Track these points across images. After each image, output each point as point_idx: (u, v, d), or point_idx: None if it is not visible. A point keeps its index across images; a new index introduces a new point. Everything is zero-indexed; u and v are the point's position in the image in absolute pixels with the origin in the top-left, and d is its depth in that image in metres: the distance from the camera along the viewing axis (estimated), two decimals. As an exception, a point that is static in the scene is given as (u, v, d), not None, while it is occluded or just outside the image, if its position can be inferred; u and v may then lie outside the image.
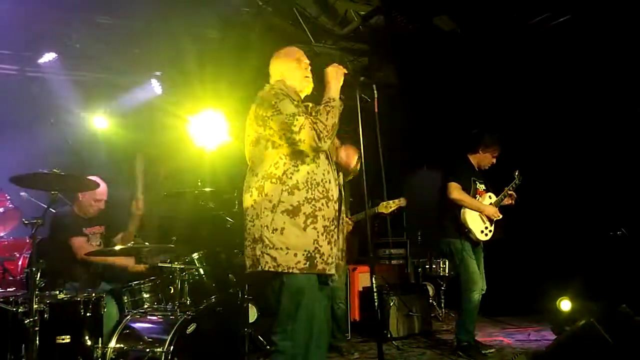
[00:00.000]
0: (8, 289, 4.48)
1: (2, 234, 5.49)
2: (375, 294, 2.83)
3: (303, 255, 2.73)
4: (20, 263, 5.10)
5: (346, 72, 2.93)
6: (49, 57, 5.79)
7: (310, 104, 3.02)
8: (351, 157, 3.50)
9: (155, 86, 6.53)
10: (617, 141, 5.79)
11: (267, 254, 2.72)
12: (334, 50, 5.81)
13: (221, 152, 5.78)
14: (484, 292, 4.86)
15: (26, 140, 5.78)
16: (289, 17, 5.46)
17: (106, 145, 6.25)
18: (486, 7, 5.13)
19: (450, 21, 5.42)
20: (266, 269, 2.73)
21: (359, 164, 3.66)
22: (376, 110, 2.98)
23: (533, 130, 6.55)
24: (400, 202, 5.23)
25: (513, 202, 5.02)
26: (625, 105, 5.56)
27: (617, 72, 5.46)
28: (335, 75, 2.91)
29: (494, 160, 5.10)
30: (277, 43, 3.30)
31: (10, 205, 5.41)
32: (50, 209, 4.00)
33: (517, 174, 5.00)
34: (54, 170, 3.46)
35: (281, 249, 2.71)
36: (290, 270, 2.71)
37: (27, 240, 4.90)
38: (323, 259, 2.77)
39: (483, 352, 4.82)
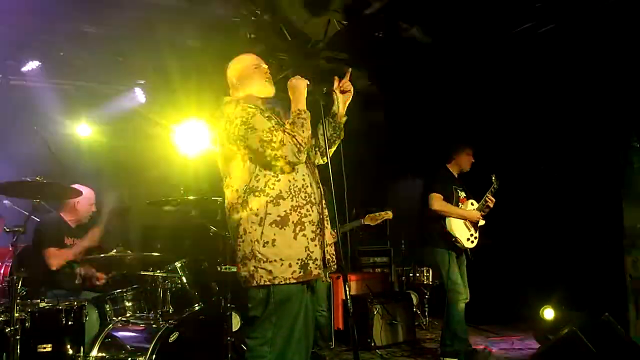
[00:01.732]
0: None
1: (-17, 242, 5.42)
2: (349, 302, 2.83)
3: (297, 264, 2.72)
4: (2, 271, 5.03)
5: (308, 83, 2.91)
6: (32, 65, 5.76)
7: (272, 107, 3.01)
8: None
9: (139, 95, 6.52)
10: (600, 148, 5.86)
11: (262, 268, 2.69)
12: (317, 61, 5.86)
13: (204, 160, 5.78)
14: (467, 300, 4.89)
15: (10, 148, 5.74)
16: (269, 24, 5.48)
17: (89, 153, 6.22)
18: (468, 16, 5.20)
19: (423, 34, 5.50)
20: (262, 283, 2.70)
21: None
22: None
23: (514, 139, 6.63)
24: (387, 214, 5.28)
25: (492, 205, 5.01)
26: (606, 113, 5.65)
27: (600, 78, 5.54)
28: (299, 87, 2.89)
29: (472, 158, 5.16)
30: (259, 52, 3.31)
31: (-6, 214, 5.36)
32: (33, 217, 3.99)
33: (494, 178, 5.04)
34: (37, 178, 3.45)
35: (275, 261, 2.69)
36: (287, 281, 2.69)
37: (10, 249, 4.85)
38: (316, 264, 2.78)
39: None
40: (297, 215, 2.76)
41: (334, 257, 2.95)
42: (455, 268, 4.86)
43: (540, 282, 6.08)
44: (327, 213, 2.98)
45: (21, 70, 5.82)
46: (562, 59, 5.59)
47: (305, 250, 2.75)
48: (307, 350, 2.91)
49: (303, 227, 2.76)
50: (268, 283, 2.69)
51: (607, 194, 5.73)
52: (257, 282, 2.71)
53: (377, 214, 5.27)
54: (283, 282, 2.69)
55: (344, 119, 3.12)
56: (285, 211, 2.74)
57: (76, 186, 4.16)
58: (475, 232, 4.99)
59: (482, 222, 5.05)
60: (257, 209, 2.73)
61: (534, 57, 5.63)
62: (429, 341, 6.03)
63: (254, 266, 2.71)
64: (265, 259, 2.70)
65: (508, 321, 6.58)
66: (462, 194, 5.07)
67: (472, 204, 5.05)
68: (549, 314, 5.50)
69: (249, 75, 3.00)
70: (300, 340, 2.82)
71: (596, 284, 5.58)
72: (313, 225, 2.81)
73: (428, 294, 6.88)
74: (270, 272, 2.69)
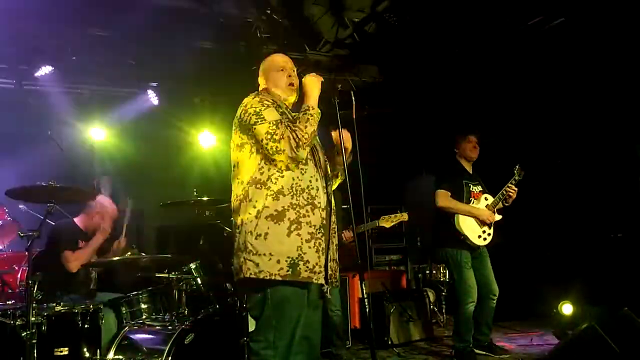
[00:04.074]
0: (7, 302, 4.48)
1: (0, 247, 5.48)
2: (366, 301, 2.81)
3: (286, 262, 2.68)
4: (19, 276, 5.08)
5: (323, 80, 2.93)
6: (45, 70, 5.82)
7: (295, 114, 3.00)
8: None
9: (152, 97, 6.55)
10: (617, 142, 5.77)
11: (250, 260, 2.69)
12: (327, 58, 5.84)
13: (217, 160, 5.79)
14: (496, 296, 4.83)
15: (25, 153, 5.79)
16: (283, 24, 5.48)
17: (103, 156, 6.27)
18: (481, 10, 5.15)
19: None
20: (247, 275, 2.69)
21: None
22: (354, 116, 2.98)
23: (532, 132, 6.55)
24: (403, 216, 5.23)
25: (514, 196, 4.82)
26: (623, 106, 5.56)
27: (615, 73, 5.46)
28: (313, 84, 2.91)
29: (476, 145, 5.01)
30: (272, 51, 3.31)
31: (8, 218, 5.40)
32: (49, 221, 4.03)
33: (517, 168, 4.82)
34: (50, 182, 3.47)
35: (264, 254, 2.67)
36: (272, 277, 2.66)
37: (26, 253, 4.89)
38: (308, 267, 2.72)
39: (498, 356, 4.82)
40: (295, 213, 2.74)
41: (336, 273, 2.92)
42: (467, 268, 4.76)
43: (559, 277, 6.01)
44: (335, 223, 2.95)
45: (34, 75, 5.88)
46: (577, 52, 5.51)
47: (297, 250, 2.71)
48: (313, 353, 2.89)
49: (299, 227, 2.73)
50: (253, 276, 2.67)
51: (624, 187, 5.63)
52: (244, 274, 2.70)
53: (392, 215, 5.23)
54: (267, 277, 2.66)
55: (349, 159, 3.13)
56: (283, 207, 2.72)
57: (99, 198, 4.24)
58: (489, 228, 4.86)
59: (497, 218, 4.91)
60: (256, 201, 2.73)
61: (549, 50, 5.56)
62: (446, 338, 5.98)
63: (244, 257, 2.71)
64: (255, 252, 2.68)
65: (526, 317, 6.52)
66: (476, 188, 4.93)
67: (485, 198, 4.91)
68: (567, 309, 5.43)
69: (273, 72, 3.06)
70: (306, 342, 2.81)
71: (615, 278, 5.50)
72: (311, 227, 2.76)
73: (445, 291, 6.82)
74: (257, 265, 2.68)
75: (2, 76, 6.05)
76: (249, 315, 4.36)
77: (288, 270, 2.68)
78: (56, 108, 6.09)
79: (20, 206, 5.39)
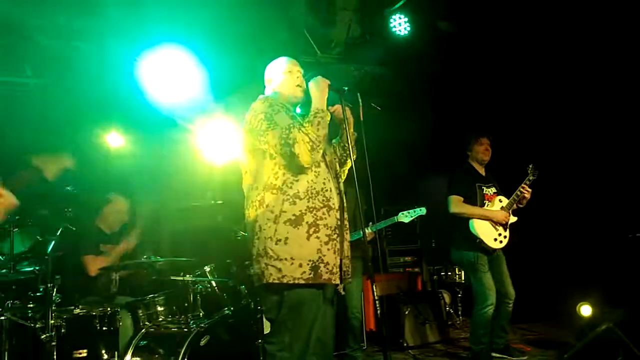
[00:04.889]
0: (29, 305, 4.58)
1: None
2: (377, 303, 2.83)
3: (308, 265, 2.72)
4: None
5: (330, 83, 2.95)
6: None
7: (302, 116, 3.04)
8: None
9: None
10: (637, 139, 5.69)
11: (272, 266, 2.71)
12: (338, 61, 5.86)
13: (231, 164, 5.83)
14: (512, 300, 4.79)
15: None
16: (294, 29, 5.51)
17: (119, 161, 6.34)
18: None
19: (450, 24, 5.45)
20: (270, 281, 2.71)
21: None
22: (361, 118, 3.00)
23: (549, 130, 6.48)
24: (421, 210, 5.22)
25: (528, 196, 4.77)
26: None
27: (634, 68, 5.38)
28: (319, 87, 2.93)
29: (488, 148, 4.96)
30: (285, 55, 3.32)
31: (30, 223, 5.53)
32: (69, 226, 4.11)
33: (530, 168, 4.78)
34: (67, 188, 3.56)
35: (286, 259, 2.71)
36: (296, 281, 2.69)
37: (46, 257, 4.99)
38: (328, 269, 2.76)
39: (516, 358, 4.80)
40: (312, 217, 2.77)
41: (349, 269, 2.95)
42: (484, 271, 4.71)
43: (577, 278, 5.95)
44: (346, 220, 2.98)
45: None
46: (592, 45, 5.43)
47: (317, 253, 2.75)
48: (327, 354, 2.91)
49: (317, 229, 2.77)
50: (277, 281, 2.70)
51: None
52: (266, 279, 2.72)
53: (410, 210, 5.23)
54: (291, 282, 2.69)
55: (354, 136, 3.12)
56: (300, 211, 2.76)
57: (110, 195, 4.30)
58: (505, 230, 4.81)
59: (513, 219, 4.86)
60: (273, 207, 2.75)
61: (561, 44, 5.50)
62: (463, 340, 5.95)
63: (265, 263, 2.73)
64: (276, 257, 2.71)
65: (544, 318, 6.46)
66: (490, 190, 4.89)
67: (500, 200, 4.86)
68: (586, 310, 5.35)
69: (283, 73, 3.08)
70: (320, 344, 2.83)
71: (634, 279, 5.43)
72: (328, 229, 2.81)
73: (461, 292, 6.79)
74: (279, 270, 2.70)
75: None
76: (263, 318, 4.43)
77: (310, 274, 2.72)
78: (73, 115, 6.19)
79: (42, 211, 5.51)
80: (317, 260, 2.74)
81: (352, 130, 3.09)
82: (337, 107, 3.05)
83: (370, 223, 5.06)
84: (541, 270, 6.49)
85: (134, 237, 4.60)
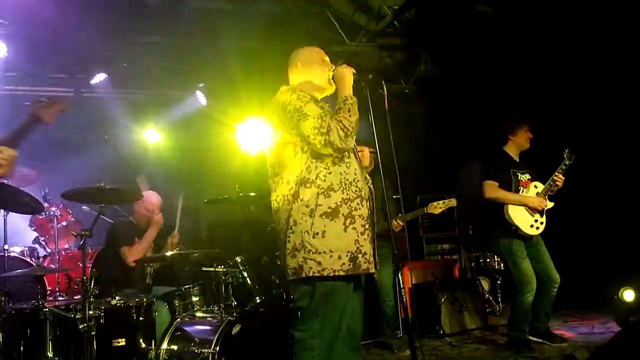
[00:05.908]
0: (74, 297, 4.80)
1: (67, 246, 5.86)
2: (402, 291, 2.84)
3: (347, 256, 2.73)
4: (82, 273, 5.42)
5: (354, 71, 2.93)
6: (99, 77, 6.13)
7: (327, 105, 3.03)
8: (365, 156, 3.48)
9: (200, 97, 6.76)
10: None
11: (311, 259, 2.71)
12: (369, 48, 5.82)
13: (264, 157, 5.91)
14: (557, 284, 4.70)
15: (86, 157, 6.14)
16: (323, 18, 5.51)
17: (157, 157, 6.53)
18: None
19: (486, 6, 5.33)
20: (310, 274, 2.72)
21: (372, 164, 3.69)
22: (386, 107, 2.96)
23: (589, 113, 6.28)
24: (451, 202, 5.18)
25: (560, 184, 4.68)
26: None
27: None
28: (345, 76, 2.91)
29: (530, 135, 4.86)
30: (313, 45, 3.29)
31: (72, 219, 5.77)
32: (107, 219, 4.25)
33: (566, 153, 4.66)
34: (100, 184, 3.68)
35: (325, 252, 2.71)
36: (336, 273, 2.71)
37: (90, 251, 5.21)
38: (366, 259, 2.78)
39: (557, 344, 4.70)
40: (348, 208, 2.77)
41: (377, 257, 2.94)
42: (522, 257, 4.62)
43: (620, 263, 5.76)
44: (375, 209, 2.98)
45: (90, 83, 6.20)
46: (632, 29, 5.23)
47: (355, 244, 2.76)
48: (355, 342, 2.93)
49: (353, 220, 2.77)
50: (317, 274, 2.70)
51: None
52: (305, 273, 2.73)
53: (440, 202, 5.19)
54: (332, 274, 2.70)
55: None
56: (336, 203, 2.76)
57: (149, 192, 4.45)
58: (542, 216, 4.70)
59: (550, 205, 4.75)
60: (308, 200, 2.75)
61: (595, 28, 5.32)
62: (502, 327, 5.85)
63: (304, 257, 2.73)
64: (315, 250, 2.71)
65: (587, 304, 6.29)
66: (525, 177, 4.79)
67: (535, 186, 4.76)
68: (629, 295, 5.21)
69: (315, 63, 3.06)
70: (349, 332, 2.85)
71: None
72: (363, 219, 2.82)
73: (500, 279, 6.68)
74: (319, 263, 2.71)
75: (63, 85, 6.41)
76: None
77: (350, 265, 2.74)
78: (112, 113, 6.41)
79: (83, 207, 5.74)
80: (356, 251, 2.76)
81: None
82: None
83: (400, 215, 5.05)
84: (584, 255, 6.32)
85: (172, 243, 4.71)
